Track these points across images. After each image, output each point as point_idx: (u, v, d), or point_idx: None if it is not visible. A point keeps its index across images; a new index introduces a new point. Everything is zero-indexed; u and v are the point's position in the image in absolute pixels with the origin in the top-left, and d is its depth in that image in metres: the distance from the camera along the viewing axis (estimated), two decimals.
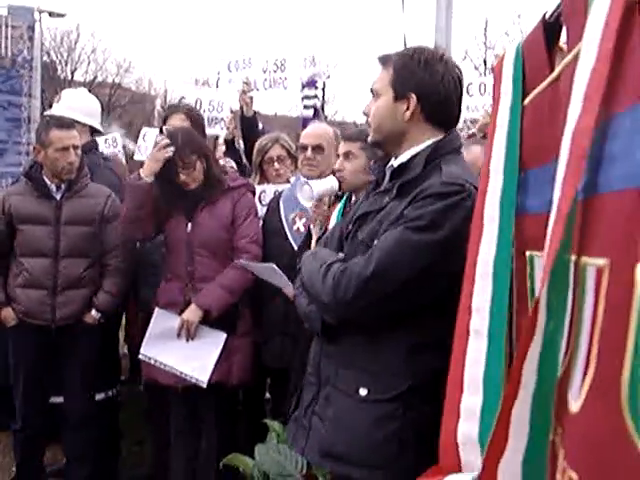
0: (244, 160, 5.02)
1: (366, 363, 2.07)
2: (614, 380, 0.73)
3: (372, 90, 2.21)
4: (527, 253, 1.36)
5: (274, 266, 3.22)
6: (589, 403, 0.80)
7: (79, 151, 3.79)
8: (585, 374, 0.82)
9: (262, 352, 3.73)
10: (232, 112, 5.15)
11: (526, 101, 1.47)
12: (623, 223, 0.76)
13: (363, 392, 2.05)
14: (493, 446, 0.96)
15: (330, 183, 3.25)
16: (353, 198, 3.25)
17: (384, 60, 2.20)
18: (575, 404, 0.83)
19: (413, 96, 2.10)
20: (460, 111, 2.23)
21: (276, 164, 4.18)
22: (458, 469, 1.47)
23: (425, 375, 1.97)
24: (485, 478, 0.98)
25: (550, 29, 1.33)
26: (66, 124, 3.83)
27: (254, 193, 3.89)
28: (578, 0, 1.06)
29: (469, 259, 1.53)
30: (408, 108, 2.11)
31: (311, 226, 3.39)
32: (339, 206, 3.33)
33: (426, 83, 2.10)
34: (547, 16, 1.34)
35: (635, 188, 0.75)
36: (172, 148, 3.49)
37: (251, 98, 5.04)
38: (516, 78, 1.50)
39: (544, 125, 1.30)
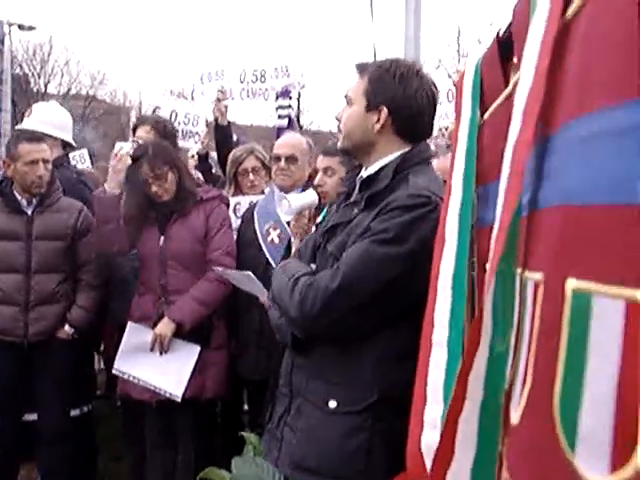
0: (215, 171, 5.02)
1: (335, 375, 2.08)
2: (547, 392, 0.74)
3: (346, 97, 2.22)
4: (487, 266, 1.38)
5: (250, 274, 3.22)
6: (526, 414, 0.81)
7: (49, 165, 3.78)
8: (524, 386, 0.83)
9: (237, 364, 3.73)
10: (207, 126, 5.15)
11: (485, 116, 1.49)
12: (555, 238, 0.78)
13: (332, 404, 2.05)
14: (439, 457, 0.97)
15: (310, 197, 3.23)
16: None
17: (361, 68, 2.21)
18: (515, 415, 0.85)
19: (384, 109, 2.11)
20: (432, 126, 2.24)
21: (251, 175, 4.19)
22: (424, 477, 1.48)
23: (394, 387, 1.97)
24: None
25: (504, 45, 1.35)
26: (36, 137, 3.83)
27: (228, 205, 3.90)
28: (523, 18, 1.08)
29: (433, 271, 1.55)
30: (379, 120, 2.12)
31: (292, 239, 3.37)
32: (320, 218, 3.34)
33: (399, 97, 2.11)
34: (501, 33, 1.36)
35: (564, 205, 0.77)
36: (130, 153, 3.51)
37: (226, 107, 5.03)
38: (474, 94, 1.52)
39: (500, 140, 1.32)
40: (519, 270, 0.97)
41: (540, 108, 0.86)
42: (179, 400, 3.50)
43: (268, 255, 3.60)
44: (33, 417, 3.97)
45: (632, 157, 0.64)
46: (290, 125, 5.58)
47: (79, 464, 4.03)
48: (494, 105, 1.40)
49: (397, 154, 2.14)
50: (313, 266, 2.23)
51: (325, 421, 2.06)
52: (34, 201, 3.78)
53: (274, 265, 3.26)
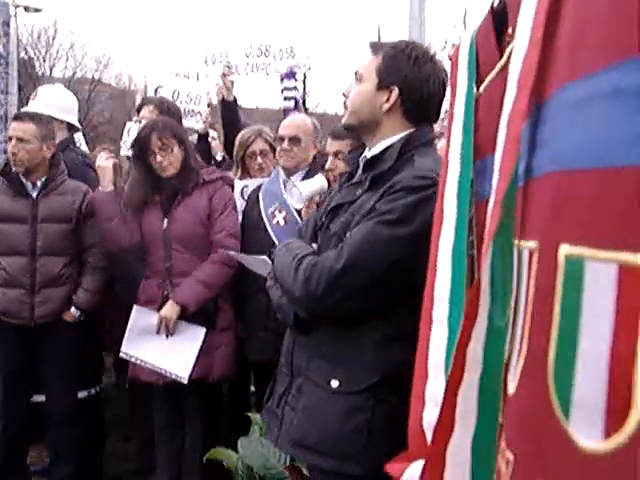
0: (218, 154, 5.00)
1: (338, 355, 2.08)
2: (542, 360, 0.74)
3: (356, 73, 2.20)
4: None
5: (267, 259, 3.19)
6: (522, 384, 0.81)
7: (27, 145, 3.72)
8: (519, 356, 0.83)
9: (244, 346, 3.74)
10: (209, 106, 5.12)
11: (480, 89, 1.48)
12: (548, 205, 0.78)
13: (334, 384, 2.06)
14: (439, 430, 0.97)
15: (319, 183, 3.22)
16: None
17: (375, 47, 2.18)
18: (511, 385, 0.85)
19: (395, 89, 2.09)
20: (440, 111, 2.23)
21: (259, 158, 4.15)
22: (426, 456, 1.48)
23: (396, 367, 1.96)
24: (433, 463, 0.99)
25: (499, 17, 1.34)
26: (21, 116, 3.86)
27: (231, 186, 3.88)
28: None
29: (432, 249, 1.55)
30: (388, 100, 2.11)
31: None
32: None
33: (411, 79, 2.09)
34: (495, 4, 1.35)
35: (556, 171, 0.76)
36: (113, 155, 3.59)
37: (232, 82, 4.99)
38: (470, 67, 1.51)
39: (495, 112, 1.31)
40: (516, 241, 0.96)
41: (535, 76, 0.85)
42: (185, 382, 3.51)
43: (274, 237, 3.57)
44: (41, 398, 4.01)
45: (623, 119, 0.63)
46: (296, 107, 5.55)
47: (87, 445, 4.06)
48: (489, 77, 1.39)
49: (401, 135, 2.13)
50: (314, 246, 2.22)
51: (327, 400, 2.07)
52: (39, 184, 3.78)
53: None
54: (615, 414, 0.64)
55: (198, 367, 3.53)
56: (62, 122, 4.41)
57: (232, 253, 3.47)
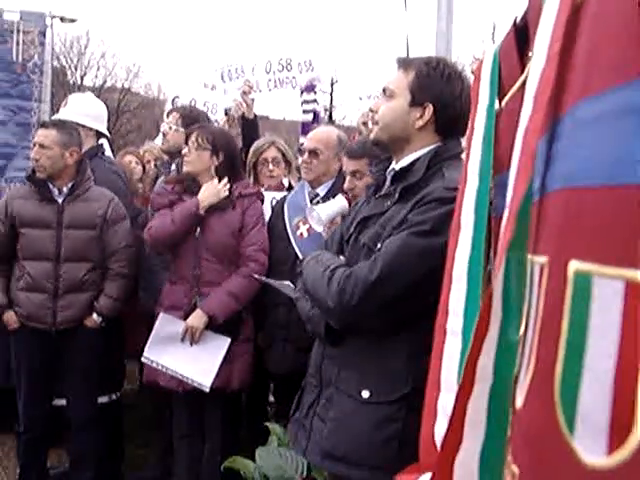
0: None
1: (369, 365, 2.09)
2: (549, 375, 0.74)
3: (385, 89, 2.20)
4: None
5: (290, 284, 3.21)
6: (529, 398, 0.81)
7: (49, 152, 3.78)
8: (527, 370, 0.83)
9: (264, 358, 3.76)
10: (226, 114, 5.18)
11: (502, 104, 1.48)
12: (558, 221, 0.78)
13: (365, 394, 2.07)
14: (447, 442, 0.98)
15: (338, 204, 3.21)
16: None
17: (405, 64, 2.19)
18: (519, 399, 0.85)
19: (430, 106, 2.11)
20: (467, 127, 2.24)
21: (270, 165, 4.23)
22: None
23: (427, 378, 1.98)
24: (440, 474, 0.99)
25: (521, 33, 1.34)
26: (47, 124, 3.94)
27: (263, 200, 3.92)
28: (537, 5, 1.08)
29: (448, 261, 1.55)
30: (422, 116, 2.12)
31: None
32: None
33: (445, 96, 2.11)
34: (517, 21, 1.35)
35: (566, 187, 0.76)
36: (228, 186, 3.64)
37: (252, 100, 5.05)
38: (492, 82, 1.51)
39: (515, 127, 1.32)
40: (529, 256, 0.97)
41: (551, 92, 0.85)
42: (207, 390, 3.53)
43: (297, 249, 3.60)
44: (62, 402, 4.04)
45: (631, 137, 0.64)
46: (316, 120, 5.58)
47: (108, 451, 4.08)
48: (510, 93, 1.40)
49: (430, 148, 2.14)
50: (342, 258, 2.23)
51: (357, 410, 2.08)
52: (65, 190, 3.83)
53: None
54: (618, 430, 0.64)
55: (219, 376, 3.55)
56: (91, 129, 4.47)
57: (256, 277, 3.52)
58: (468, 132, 1.60)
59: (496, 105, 1.50)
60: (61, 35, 26.30)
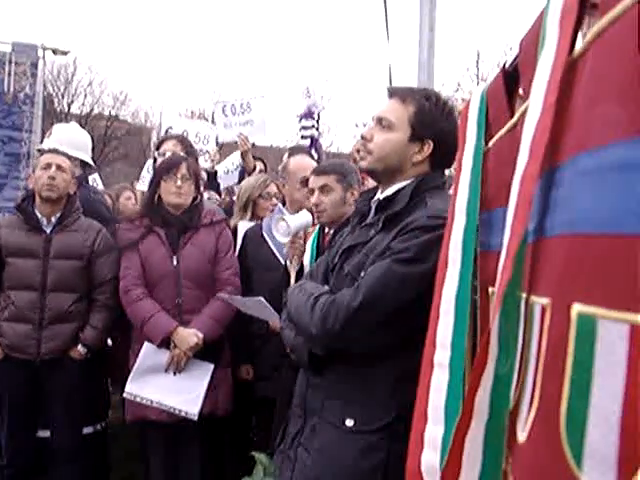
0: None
1: (353, 394, 2.09)
2: (554, 410, 0.78)
3: (381, 119, 2.19)
4: (490, 289, 1.42)
5: (262, 299, 3.24)
6: (533, 433, 0.84)
7: (65, 175, 3.82)
8: (531, 406, 0.86)
9: (260, 387, 3.80)
10: (217, 145, 5.26)
11: (489, 144, 1.53)
12: (562, 265, 0.82)
13: (349, 423, 2.07)
14: (447, 475, 1.00)
15: (305, 218, 3.29)
16: (326, 229, 3.30)
17: (401, 95, 2.20)
18: (522, 434, 0.88)
19: (431, 143, 2.14)
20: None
21: (274, 199, 4.36)
22: None
23: (411, 405, 1.99)
24: None
25: (510, 77, 1.39)
26: (55, 150, 3.98)
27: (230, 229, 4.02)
28: (530, 54, 1.12)
29: (435, 295, 1.58)
30: (420, 151, 2.15)
31: (287, 262, 3.38)
32: (312, 238, 3.37)
33: (445, 132, 2.13)
34: (507, 66, 1.40)
35: (569, 233, 0.81)
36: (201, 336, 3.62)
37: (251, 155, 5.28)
38: (480, 122, 1.55)
39: (504, 168, 1.36)
40: (524, 295, 1.01)
41: (547, 143, 0.90)
42: (195, 419, 3.52)
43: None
44: (47, 434, 3.98)
45: (631, 190, 0.68)
46: (313, 145, 5.66)
47: None
48: (499, 134, 1.44)
49: (414, 177, 2.17)
50: (327, 287, 2.25)
51: (341, 440, 2.07)
52: (53, 220, 3.81)
53: None
54: (627, 465, 0.67)
55: (205, 404, 3.56)
56: (76, 159, 4.48)
57: (225, 297, 3.58)
58: (455, 170, 1.64)
59: (483, 145, 1.55)
60: (48, 63, 26.33)
